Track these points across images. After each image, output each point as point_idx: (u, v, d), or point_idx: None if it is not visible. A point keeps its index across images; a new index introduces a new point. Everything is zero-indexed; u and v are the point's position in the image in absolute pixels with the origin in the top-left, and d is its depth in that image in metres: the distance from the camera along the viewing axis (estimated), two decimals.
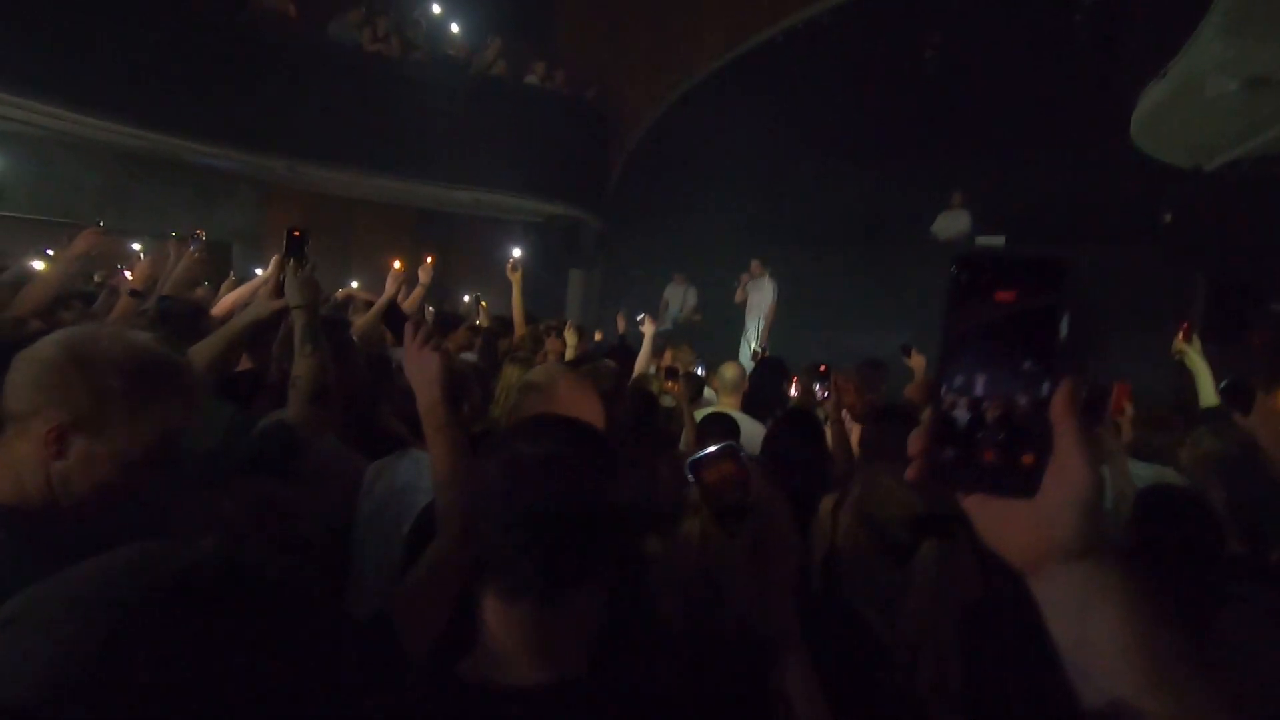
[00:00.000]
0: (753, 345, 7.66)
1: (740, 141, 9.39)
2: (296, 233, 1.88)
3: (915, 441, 0.54)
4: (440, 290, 7.72)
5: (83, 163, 8.15)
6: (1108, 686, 0.49)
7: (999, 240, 7.68)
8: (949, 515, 1.32)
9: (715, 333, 9.23)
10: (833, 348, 6.62)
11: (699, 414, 3.07)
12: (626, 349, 4.19)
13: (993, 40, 8.08)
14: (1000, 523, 0.53)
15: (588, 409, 1.45)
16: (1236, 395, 2.33)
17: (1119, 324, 6.26)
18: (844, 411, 2.98)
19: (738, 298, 8.44)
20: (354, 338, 2.87)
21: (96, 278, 4.02)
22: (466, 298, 9.08)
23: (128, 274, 2.93)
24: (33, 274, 2.17)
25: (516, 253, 4.64)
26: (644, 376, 3.62)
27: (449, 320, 4.83)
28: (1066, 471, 0.50)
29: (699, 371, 4.27)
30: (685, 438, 2.85)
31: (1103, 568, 0.51)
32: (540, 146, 9.78)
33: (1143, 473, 2.46)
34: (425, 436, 1.31)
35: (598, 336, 4.90)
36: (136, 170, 8.50)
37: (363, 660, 0.96)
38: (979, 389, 0.51)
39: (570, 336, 3.70)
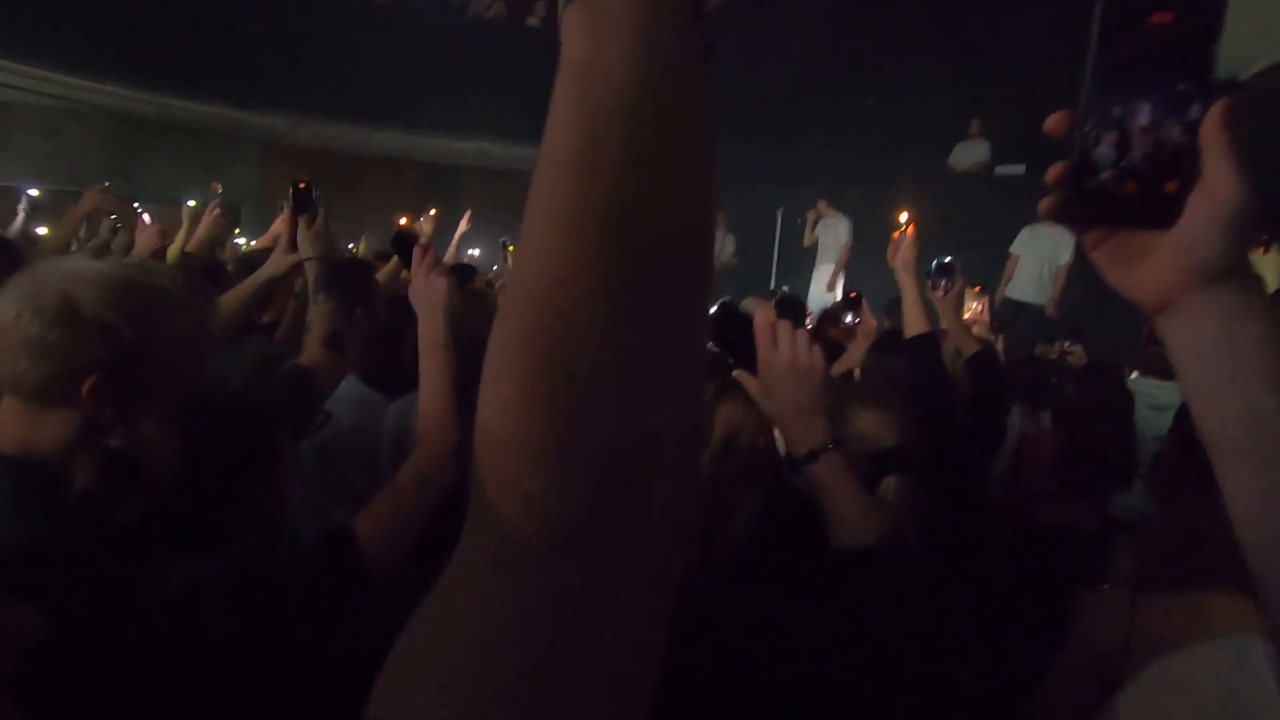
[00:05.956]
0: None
1: (746, 75, 9.06)
2: (302, 185, 1.82)
3: (1055, 172, 0.53)
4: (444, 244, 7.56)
5: (89, 130, 8.11)
6: (1268, 408, 0.47)
7: (1019, 169, 7.44)
8: (910, 451, 1.30)
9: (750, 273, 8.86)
10: (848, 283, 6.50)
11: None
12: None
13: None
14: (1135, 263, 0.52)
15: None
16: None
17: None
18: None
19: (807, 241, 8.12)
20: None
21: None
22: (473, 251, 8.94)
23: (146, 217, 2.83)
24: (34, 236, 2.17)
25: None
26: None
27: (465, 271, 4.77)
28: (1215, 189, 0.48)
29: None
30: None
31: (1246, 286, 0.49)
32: (544, 91, 9.46)
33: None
34: (419, 358, 1.33)
35: None
36: (142, 137, 8.46)
37: (320, 576, 0.96)
38: (1125, 119, 0.51)
39: None
